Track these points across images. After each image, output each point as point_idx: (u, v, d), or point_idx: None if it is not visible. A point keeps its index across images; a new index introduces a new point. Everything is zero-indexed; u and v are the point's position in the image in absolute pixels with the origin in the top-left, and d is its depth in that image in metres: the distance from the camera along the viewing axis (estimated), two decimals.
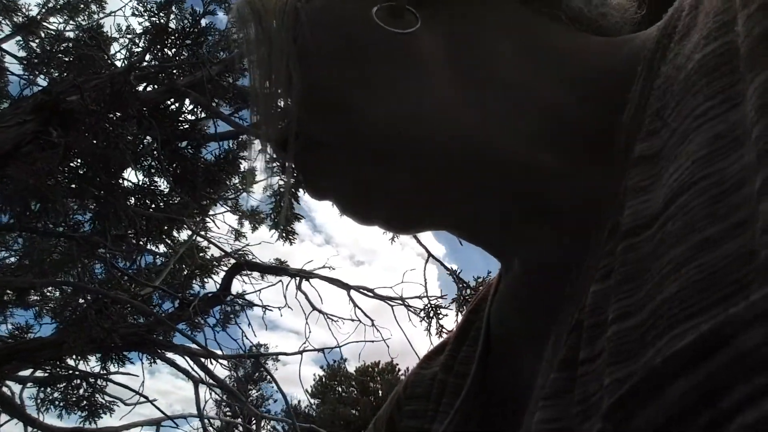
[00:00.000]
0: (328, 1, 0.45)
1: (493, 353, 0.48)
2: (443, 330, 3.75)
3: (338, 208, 0.47)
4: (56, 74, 4.43)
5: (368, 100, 0.41)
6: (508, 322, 0.48)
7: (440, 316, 3.75)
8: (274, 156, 0.48)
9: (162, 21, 4.06)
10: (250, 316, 4.52)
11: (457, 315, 3.74)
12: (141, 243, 4.11)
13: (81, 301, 3.86)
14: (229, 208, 5.69)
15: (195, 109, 4.09)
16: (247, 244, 5.77)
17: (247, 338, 5.02)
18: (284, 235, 3.94)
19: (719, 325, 0.20)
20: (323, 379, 18.46)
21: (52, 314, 5.19)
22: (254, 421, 4.90)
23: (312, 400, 17.75)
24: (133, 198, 3.90)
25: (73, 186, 3.25)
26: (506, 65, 0.41)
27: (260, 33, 0.45)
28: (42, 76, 4.59)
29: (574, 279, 0.35)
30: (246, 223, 6.15)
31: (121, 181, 3.74)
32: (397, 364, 17.51)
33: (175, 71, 3.84)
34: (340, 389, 18.40)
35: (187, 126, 4.07)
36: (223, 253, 4.90)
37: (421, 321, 3.65)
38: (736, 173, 0.23)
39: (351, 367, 18.22)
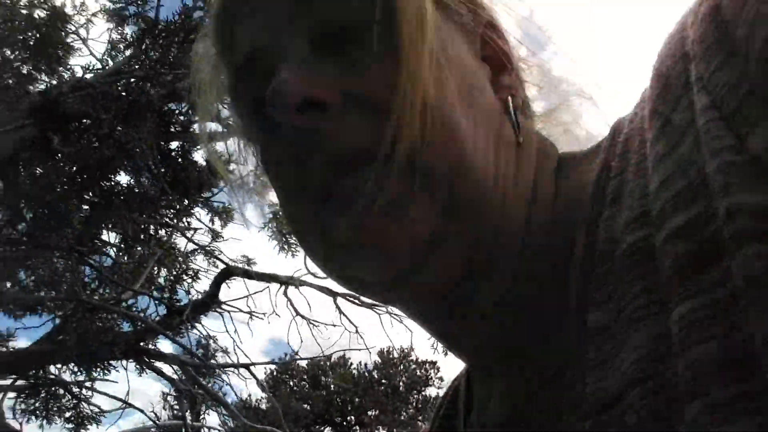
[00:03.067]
0: None
1: None
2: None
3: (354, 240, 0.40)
4: (11, 54, 4.17)
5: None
6: None
7: None
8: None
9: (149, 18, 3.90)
10: (215, 317, 4.41)
11: None
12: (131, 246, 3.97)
13: (69, 313, 3.70)
14: (200, 207, 5.54)
15: (189, 111, 3.97)
16: (222, 239, 5.63)
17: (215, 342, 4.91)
18: (285, 247, 3.88)
19: None
20: (274, 373, 18.26)
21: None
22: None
23: (263, 394, 17.55)
24: (122, 202, 3.75)
25: (71, 192, 3.10)
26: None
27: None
28: None
29: None
30: (216, 219, 6.02)
31: (113, 185, 3.60)
32: (350, 358, 17.53)
33: (170, 72, 3.71)
34: (291, 383, 18.26)
35: (179, 128, 3.94)
36: (207, 257, 4.76)
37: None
38: (672, 377, 0.27)
39: (303, 361, 18.08)
